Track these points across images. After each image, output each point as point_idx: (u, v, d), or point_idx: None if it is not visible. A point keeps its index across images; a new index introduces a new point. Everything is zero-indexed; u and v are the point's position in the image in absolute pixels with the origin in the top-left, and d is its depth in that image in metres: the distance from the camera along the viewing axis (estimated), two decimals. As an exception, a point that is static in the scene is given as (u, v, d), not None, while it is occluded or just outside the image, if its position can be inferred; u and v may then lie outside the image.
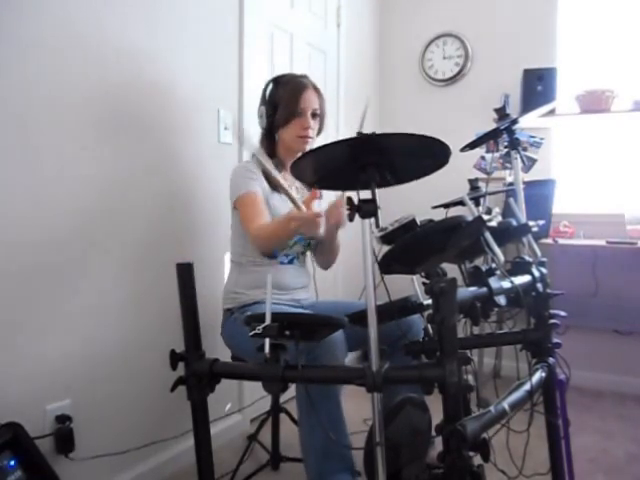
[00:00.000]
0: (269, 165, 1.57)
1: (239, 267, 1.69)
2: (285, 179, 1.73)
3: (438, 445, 1.01)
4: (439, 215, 1.32)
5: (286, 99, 1.64)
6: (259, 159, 1.67)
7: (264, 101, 1.68)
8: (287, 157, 1.72)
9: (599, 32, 2.74)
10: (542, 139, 2.64)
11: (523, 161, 1.57)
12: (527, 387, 1.24)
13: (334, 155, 1.04)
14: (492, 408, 1.09)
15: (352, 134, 0.98)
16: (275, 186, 1.65)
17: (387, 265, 1.15)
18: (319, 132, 1.77)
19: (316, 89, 1.70)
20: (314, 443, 1.38)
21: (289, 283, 1.67)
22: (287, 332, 1.03)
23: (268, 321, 0.99)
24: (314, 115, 1.68)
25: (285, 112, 1.64)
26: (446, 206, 1.56)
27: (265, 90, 1.70)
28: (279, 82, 1.68)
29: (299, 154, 1.72)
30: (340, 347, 1.37)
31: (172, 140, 1.78)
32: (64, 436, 1.41)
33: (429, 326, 1.27)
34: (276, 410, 1.85)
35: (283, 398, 1.84)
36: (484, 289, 1.24)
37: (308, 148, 1.67)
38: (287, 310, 1.54)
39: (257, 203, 1.60)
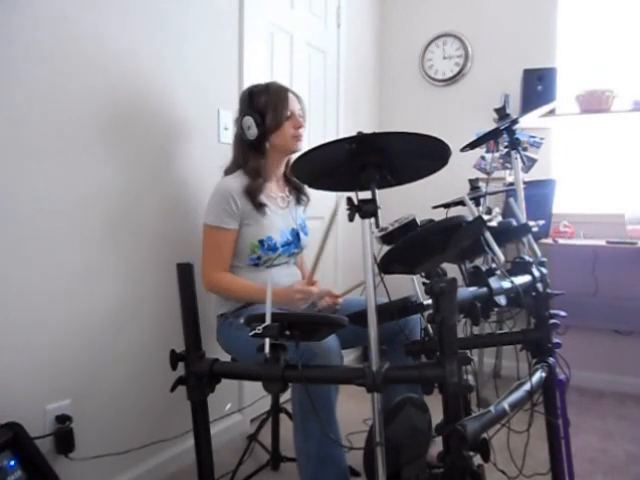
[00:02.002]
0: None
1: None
2: (271, 190, 1.73)
3: (438, 445, 1.00)
4: (439, 215, 1.32)
5: (273, 104, 1.64)
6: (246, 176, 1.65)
7: (248, 111, 1.64)
8: (277, 164, 1.73)
9: (599, 32, 2.73)
10: (542, 139, 2.64)
11: (523, 161, 1.57)
12: (527, 387, 1.24)
13: (334, 155, 1.04)
14: (492, 408, 1.09)
15: (352, 134, 0.97)
16: (259, 205, 1.63)
17: (387, 265, 1.15)
18: None
19: (293, 92, 1.72)
20: (309, 450, 1.38)
21: (280, 282, 1.67)
22: (287, 332, 1.03)
23: (268, 321, 0.99)
24: (301, 117, 1.70)
25: (276, 116, 1.64)
26: (446, 206, 1.56)
27: (243, 102, 1.68)
28: (255, 92, 1.67)
29: (290, 158, 1.73)
30: (335, 353, 1.36)
31: (172, 140, 1.78)
32: (64, 436, 1.41)
33: (429, 326, 1.27)
34: (276, 410, 1.85)
35: (283, 398, 1.84)
36: (484, 289, 1.24)
37: (302, 147, 1.68)
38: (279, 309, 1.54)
39: (222, 245, 1.60)
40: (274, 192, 1.73)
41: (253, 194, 1.62)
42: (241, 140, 1.69)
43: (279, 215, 1.71)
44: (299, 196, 1.81)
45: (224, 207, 1.59)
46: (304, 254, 1.88)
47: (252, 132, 1.64)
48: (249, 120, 1.64)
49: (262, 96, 1.66)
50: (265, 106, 1.64)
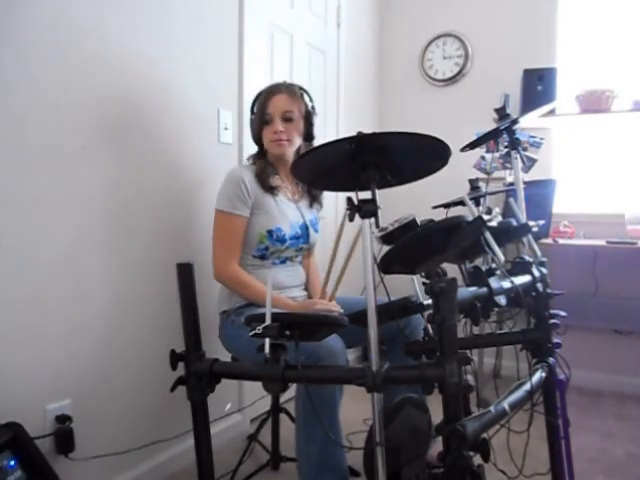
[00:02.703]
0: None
1: None
2: (282, 181, 1.74)
3: (438, 445, 1.00)
4: (439, 215, 1.32)
5: (257, 108, 1.69)
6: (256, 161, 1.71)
7: (250, 115, 1.74)
8: (275, 162, 1.73)
9: (599, 32, 2.74)
10: (542, 139, 2.65)
11: (523, 161, 1.57)
12: (527, 387, 1.24)
13: (334, 155, 1.04)
14: (492, 408, 1.09)
15: (352, 134, 0.97)
16: (269, 188, 1.65)
17: (387, 265, 1.15)
18: (310, 137, 1.75)
19: (290, 92, 1.67)
20: (310, 454, 1.38)
21: (283, 282, 1.67)
22: (287, 332, 1.03)
23: (268, 321, 0.99)
24: (287, 119, 1.65)
25: (256, 121, 1.69)
26: (446, 206, 1.56)
27: (251, 106, 1.75)
28: (258, 95, 1.73)
29: (286, 158, 1.73)
30: (341, 356, 1.37)
31: (172, 140, 1.79)
32: (64, 436, 1.41)
33: (429, 326, 1.27)
34: (276, 410, 1.85)
35: (283, 398, 1.84)
36: (484, 289, 1.24)
37: (286, 151, 1.68)
38: (282, 309, 1.54)
39: (233, 232, 1.60)
40: (285, 184, 1.74)
41: (263, 176, 1.65)
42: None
43: (290, 207, 1.71)
44: (312, 202, 1.81)
45: (236, 192, 1.60)
46: (317, 262, 1.89)
47: (251, 135, 1.74)
48: (250, 123, 1.74)
49: (257, 100, 1.72)
50: (256, 111, 1.70)
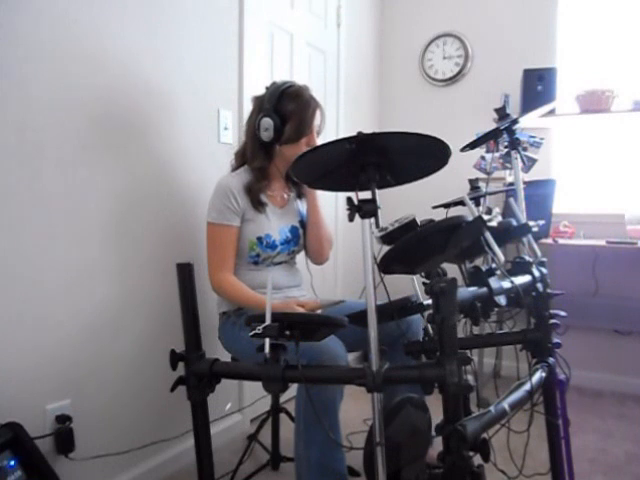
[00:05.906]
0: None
1: None
2: (273, 189, 1.72)
3: (438, 445, 1.00)
4: (439, 215, 1.32)
5: (299, 117, 1.60)
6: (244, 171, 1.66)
7: (272, 114, 1.59)
8: (281, 168, 1.71)
9: (599, 32, 2.74)
10: (542, 139, 2.64)
11: (523, 161, 1.57)
12: (527, 387, 1.24)
13: (334, 155, 1.04)
14: (492, 408, 1.09)
15: (352, 134, 0.97)
16: (259, 203, 1.63)
17: (387, 265, 1.15)
18: None
19: (321, 108, 1.68)
20: (310, 458, 1.37)
21: (281, 282, 1.67)
22: (287, 332, 1.03)
23: (268, 321, 0.99)
24: (317, 133, 1.69)
25: (297, 130, 1.60)
26: (446, 206, 1.56)
27: (269, 100, 1.60)
28: (286, 94, 1.61)
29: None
30: (342, 360, 1.37)
31: (172, 140, 1.79)
32: (64, 436, 1.41)
33: (429, 326, 1.27)
34: (276, 410, 1.85)
35: (283, 398, 1.84)
36: (484, 289, 1.24)
37: None
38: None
39: (225, 242, 1.59)
40: (276, 191, 1.73)
41: (254, 193, 1.62)
42: (254, 136, 1.65)
43: (279, 213, 1.70)
44: (300, 190, 1.79)
45: (226, 204, 1.59)
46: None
47: (267, 134, 1.60)
48: (269, 122, 1.59)
49: (291, 103, 1.60)
50: (290, 115, 1.60)
